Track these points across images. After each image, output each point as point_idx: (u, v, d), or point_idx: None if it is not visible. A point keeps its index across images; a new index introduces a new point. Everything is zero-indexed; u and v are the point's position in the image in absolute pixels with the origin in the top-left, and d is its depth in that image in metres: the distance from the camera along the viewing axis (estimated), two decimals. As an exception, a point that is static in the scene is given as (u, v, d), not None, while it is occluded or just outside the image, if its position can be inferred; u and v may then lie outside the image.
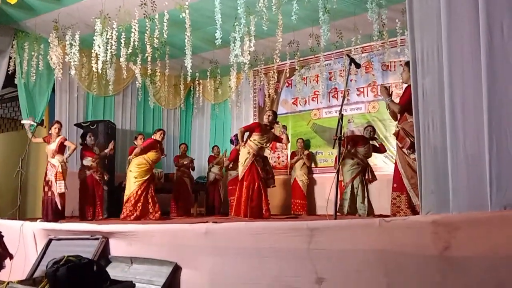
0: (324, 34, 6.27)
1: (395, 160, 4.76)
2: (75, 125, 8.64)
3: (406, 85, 4.57)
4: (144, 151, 7.04)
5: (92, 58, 7.10)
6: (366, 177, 6.96)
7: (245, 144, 6.32)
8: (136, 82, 8.15)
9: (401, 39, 6.80)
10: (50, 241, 4.76)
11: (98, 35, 6.74)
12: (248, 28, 6.62)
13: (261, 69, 9.47)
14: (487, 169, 2.41)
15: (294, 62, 8.69)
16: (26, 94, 7.90)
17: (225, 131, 10.63)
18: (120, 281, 3.39)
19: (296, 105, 9.69)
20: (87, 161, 7.24)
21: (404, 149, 4.47)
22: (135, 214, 6.79)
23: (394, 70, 8.28)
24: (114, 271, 3.92)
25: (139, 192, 6.90)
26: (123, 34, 6.82)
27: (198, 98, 10.19)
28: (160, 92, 10.08)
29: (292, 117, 9.72)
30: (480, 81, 2.47)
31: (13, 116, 10.42)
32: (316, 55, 8.16)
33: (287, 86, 9.87)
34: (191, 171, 9.05)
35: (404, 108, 4.46)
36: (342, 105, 4.20)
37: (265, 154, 6.75)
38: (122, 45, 6.88)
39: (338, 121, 4.10)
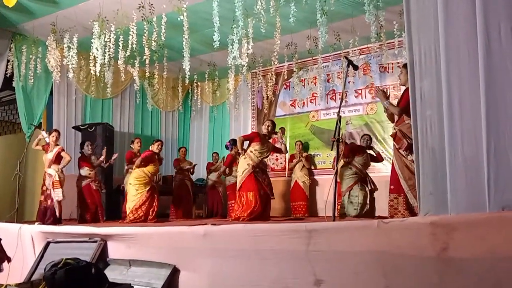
0: (322, 36, 6.28)
1: (392, 162, 4.76)
2: (73, 127, 8.63)
3: (404, 87, 4.56)
4: (143, 164, 7.03)
5: (90, 61, 7.11)
6: (369, 187, 6.82)
7: (245, 152, 6.26)
8: (134, 85, 8.13)
9: (398, 41, 6.81)
10: (48, 244, 4.75)
11: (96, 38, 6.74)
12: (246, 31, 6.63)
13: (259, 71, 9.46)
14: (485, 170, 2.41)
15: (292, 64, 8.69)
16: (24, 97, 7.89)
17: (224, 134, 10.62)
18: (119, 284, 3.38)
19: (294, 107, 9.69)
20: (84, 171, 7.19)
21: (401, 151, 4.47)
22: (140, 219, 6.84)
23: (392, 72, 8.29)
24: (113, 274, 3.92)
25: (140, 203, 6.92)
26: (121, 37, 6.82)
27: (196, 101, 10.20)
28: (158, 94, 10.07)
29: (290, 119, 9.72)
30: (478, 82, 2.48)
31: (11, 119, 10.41)
32: (314, 57, 8.16)
33: (285, 88, 9.88)
34: (190, 174, 9.04)
35: (403, 111, 4.45)
36: (340, 107, 4.21)
37: (264, 163, 6.70)
38: (120, 47, 6.88)
39: (336, 123, 4.11)
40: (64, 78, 8.09)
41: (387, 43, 7.23)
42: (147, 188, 7.00)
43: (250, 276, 3.26)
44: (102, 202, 7.60)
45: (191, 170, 8.94)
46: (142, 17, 6.63)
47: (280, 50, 7.04)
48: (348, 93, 8.82)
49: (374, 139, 7.75)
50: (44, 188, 6.50)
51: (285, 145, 6.87)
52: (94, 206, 7.20)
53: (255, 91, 10.23)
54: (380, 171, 7.92)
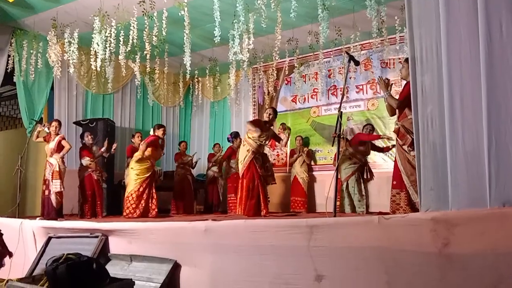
0: (323, 31, 6.25)
1: (395, 158, 4.75)
2: (74, 123, 8.64)
3: (405, 82, 4.55)
4: (149, 147, 7.03)
5: (91, 56, 7.10)
6: (365, 176, 6.96)
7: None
8: (135, 80, 8.14)
9: (400, 36, 6.79)
10: (49, 239, 4.77)
11: (96, 33, 6.73)
12: (247, 26, 6.60)
13: (260, 66, 9.46)
14: (486, 166, 2.41)
15: (293, 59, 8.67)
16: (25, 92, 7.89)
17: (225, 129, 10.61)
18: (120, 279, 3.39)
19: (295, 103, 9.68)
20: (85, 161, 7.22)
21: (404, 147, 4.45)
22: (137, 212, 6.79)
23: (393, 67, 8.27)
24: (114, 269, 3.93)
25: (141, 190, 6.90)
26: (121, 32, 6.81)
27: (197, 96, 10.18)
28: (159, 90, 10.06)
29: (291, 114, 9.71)
30: (479, 78, 2.47)
31: (12, 114, 10.41)
32: (315, 53, 8.14)
33: (286, 84, 9.86)
34: (191, 168, 9.04)
35: (402, 103, 4.43)
36: (341, 103, 4.20)
37: (265, 151, 6.74)
38: (121, 42, 6.86)
39: (337, 119, 4.09)
40: (65, 73, 8.09)
41: (388, 39, 7.22)
42: (148, 174, 6.98)
43: (251, 272, 3.27)
44: (103, 196, 7.62)
45: (192, 162, 8.92)
46: (143, 12, 6.61)
47: (281, 45, 7.01)
48: (350, 88, 8.80)
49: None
50: (45, 178, 6.52)
51: (288, 138, 6.85)
52: (94, 198, 7.22)
53: (256, 86, 10.20)
54: (380, 167, 7.93)
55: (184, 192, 8.71)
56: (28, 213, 7.92)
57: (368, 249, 2.72)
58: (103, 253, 4.26)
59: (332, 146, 5.29)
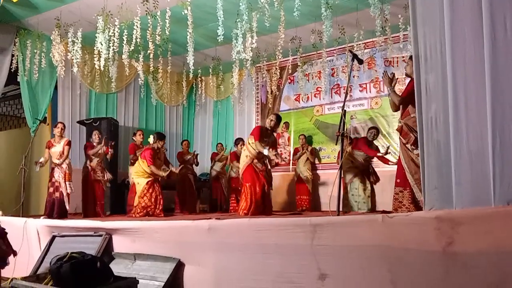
0: (327, 30, 6.25)
1: (399, 156, 4.73)
2: (78, 122, 8.66)
3: (409, 79, 4.53)
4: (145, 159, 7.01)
5: (95, 55, 7.10)
6: (371, 179, 6.90)
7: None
8: (139, 79, 8.14)
9: (403, 35, 6.78)
10: (53, 237, 4.78)
11: (100, 32, 6.75)
12: (250, 25, 6.60)
13: (263, 65, 9.45)
14: (490, 164, 2.40)
15: (296, 58, 8.66)
16: (28, 91, 7.91)
17: (228, 128, 10.63)
18: (124, 278, 3.40)
19: (299, 102, 9.67)
20: (94, 163, 7.22)
21: (408, 145, 4.44)
22: (144, 211, 6.80)
23: (397, 65, 8.25)
24: (118, 268, 3.94)
25: (148, 189, 6.92)
26: (125, 31, 6.82)
27: (201, 95, 10.19)
28: (162, 89, 10.07)
29: (295, 113, 9.70)
30: (483, 76, 2.46)
31: (16, 113, 10.45)
32: (318, 51, 8.14)
33: (289, 83, 9.85)
34: (194, 167, 9.04)
35: (404, 100, 4.42)
36: (344, 101, 4.20)
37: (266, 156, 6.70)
38: (125, 42, 6.88)
39: (341, 117, 4.09)
40: (68, 73, 8.12)
41: (392, 37, 7.20)
42: (150, 178, 7.00)
43: (254, 270, 3.27)
44: (107, 195, 7.62)
45: (194, 159, 8.90)
46: (146, 11, 6.63)
47: (285, 44, 7.01)
48: (353, 87, 8.79)
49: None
50: (54, 180, 6.50)
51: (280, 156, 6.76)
52: (94, 197, 7.21)
53: (259, 85, 10.21)
54: (384, 165, 7.90)
55: (186, 191, 8.72)
56: (32, 212, 7.94)
57: (372, 248, 2.71)
58: (107, 251, 4.27)
59: (336, 144, 5.26)
